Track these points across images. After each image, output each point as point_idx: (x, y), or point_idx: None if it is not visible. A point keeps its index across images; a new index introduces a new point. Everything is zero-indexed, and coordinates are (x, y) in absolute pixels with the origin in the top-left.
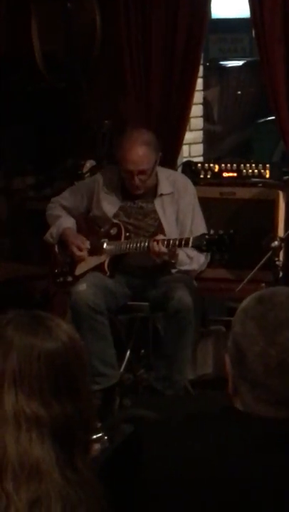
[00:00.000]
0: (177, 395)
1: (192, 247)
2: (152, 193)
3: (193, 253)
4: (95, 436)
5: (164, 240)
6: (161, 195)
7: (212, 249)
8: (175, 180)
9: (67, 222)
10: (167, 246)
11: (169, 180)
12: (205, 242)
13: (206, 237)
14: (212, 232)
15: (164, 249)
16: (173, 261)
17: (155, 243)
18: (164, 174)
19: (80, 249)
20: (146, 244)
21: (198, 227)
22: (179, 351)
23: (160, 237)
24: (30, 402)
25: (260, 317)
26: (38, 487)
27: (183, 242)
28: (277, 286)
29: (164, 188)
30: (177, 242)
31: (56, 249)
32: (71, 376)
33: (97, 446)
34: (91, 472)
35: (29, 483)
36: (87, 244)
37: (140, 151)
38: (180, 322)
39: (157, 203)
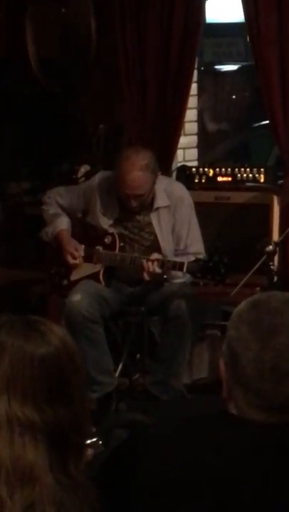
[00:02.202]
0: (173, 399)
1: (186, 272)
2: (149, 206)
3: None
4: (89, 441)
5: (158, 260)
6: (158, 208)
7: (206, 277)
8: (172, 191)
9: (63, 223)
10: (161, 267)
11: (165, 192)
12: (199, 269)
13: (201, 263)
14: (206, 257)
15: (157, 269)
16: (165, 276)
17: (150, 263)
18: (160, 185)
19: (74, 257)
20: (140, 261)
21: (194, 240)
22: (177, 356)
23: (154, 256)
24: (23, 406)
25: (254, 322)
26: (31, 492)
27: (177, 267)
28: (272, 291)
29: (160, 201)
30: (171, 265)
31: (52, 247)
32: (64, 380)
33: (90, 451)
34: (85, 477)
35: (23, 488)
36: (81, 251)
37: (137, 177)
38: (178, 327)
39: (153, 217)
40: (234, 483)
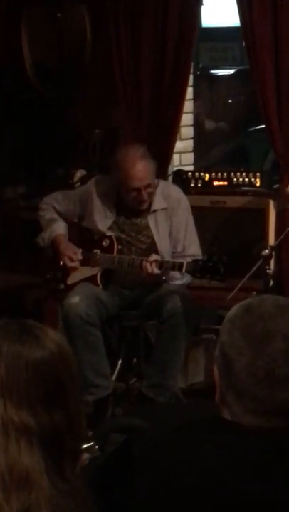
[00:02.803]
0: (169, 403)
1: (185, 272)
2: (146, 209)
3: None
4: (85, 446)
5: (157, 261)
6: (155, 211)
7: (206, 276)
8: (169, 194)
9: (60, 228)
10: (160, 268)
11: (163, 194)
12: (199, 269)
13: (200, 263)
14: (206, 257)
15: (156, 270)
16: (164, 277)
17: (148, 264)
18: (157, 188)
19: (72, 260)
20: (138, 262)
21: (191, 243)
22: (171, 357)
23: (153, 257)
24: (19, 411)
25: (247, 328)
26: (28, 496)
27: (176, 266)
28: (265, 295)
29: (157, 203)
30: (170, 266)
31: (48, 253)
32: (60, 385)
33: (86, 456)
34: (81, 481)
35: (19, 492)
36: (79, 255)
37: (142, 167)
38: (172, 328)
39: (151, 219)
40: (230, 487)
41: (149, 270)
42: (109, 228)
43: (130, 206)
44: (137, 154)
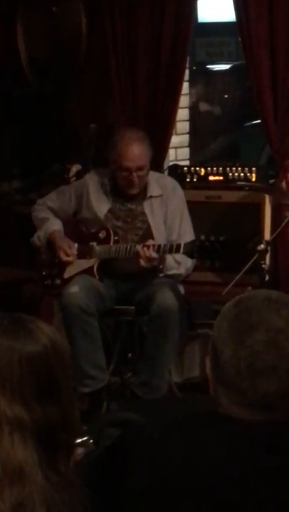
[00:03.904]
0: (163, 398)
1: (183, 253)
2: (142, 195)
3: (181, 258)
4: (80, 440)
5: (154, 245)
6: (151, 197)
7: (203, 256)
8: (164, 183)
9: (55, 225)
10: (157, 251)
11: (158, 183)
12: (196, 249)
13: (197, 243)
14: (203, 238)
15: (154, 254)
16: (161, 266)
17: (145, 248)
18: (153, 177)
19: (67, 255)
20: (135, 248)
21: (186, 231)
22: (160, 355)
23: (150, 242)
24: (12, 405)
25: (232, 319)
26: (21, 490)
27: (174, 248)
28: (258, 289)
29: (153, 190)
30: (168, 248)
31: (43, 251)
32: (53, 379)
33: (80, 450)
34: (75, 475)
35: (12, 486)
36: (74, 250)
37: (137, 148)
38: (161, 325)
39: (146, 205)
40: (225, 481)
41: (147, 254)
42: (106, 215)
43: (122, 189)
44: (134, 136)
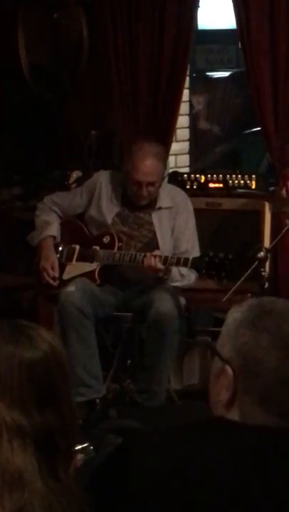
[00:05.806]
0: (163, 405)
1: (191, 267)
2: (151, 205)
3: (186, 271)
4: (80, 446)
5: (161, 256)
6: (160, 208)
7: (211, 273)
8: (175, 195)
9: (52, 230)
10: (164, 263)
11: (169, 195)
12: (204, 265)
13: (206, 259)
14: (212, 254)
15: (160, 265)
16: (165, 277)
17: (152, 258)
18: (165, 189)
19: (48, 275)
20: (141, 257)
21: (193, 246)
22: (158, 362)
23: (157, 252)
24: (12, 411)
25: (274, 330)
26: (21, 496)
27: (182, 262)
28: (268, 297)
29: (163, 201)
30: (175, 261)
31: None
32: (52, 385)
33: (80, 456)
34: (74, 481)
35: (12, 492)
36: (56, 272)
37: (150, 163)
38: (158, 332)
39: (155, 216)
40: (231, 487)
41: (152, 263)
42: (113, 219)
43: (132, 200)
44: (151, 150)
